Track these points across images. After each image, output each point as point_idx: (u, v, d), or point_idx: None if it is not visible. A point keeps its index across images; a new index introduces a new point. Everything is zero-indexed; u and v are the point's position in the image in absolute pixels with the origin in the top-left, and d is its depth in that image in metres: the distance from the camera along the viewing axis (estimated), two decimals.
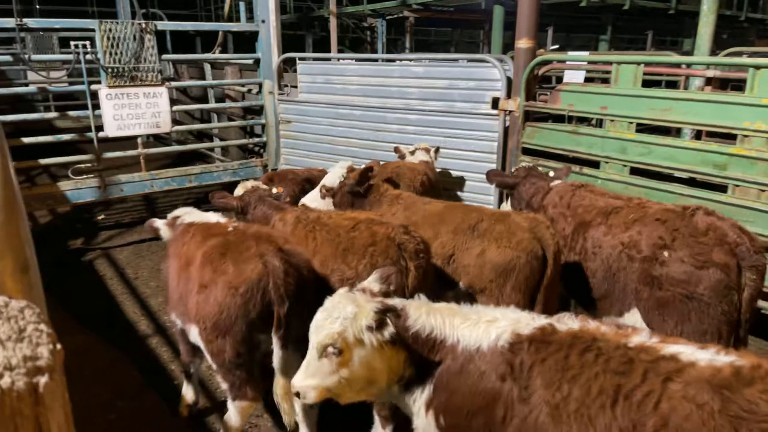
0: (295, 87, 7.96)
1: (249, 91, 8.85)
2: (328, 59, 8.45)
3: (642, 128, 5.41)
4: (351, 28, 17.07)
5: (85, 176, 7.01)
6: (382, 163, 5.79)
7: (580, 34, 23.38)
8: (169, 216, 3.73)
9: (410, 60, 7.80)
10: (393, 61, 7.74)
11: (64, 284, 5.96)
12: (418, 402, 2.34)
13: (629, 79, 5.19)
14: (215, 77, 10.11)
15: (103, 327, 5.03)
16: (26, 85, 9.58)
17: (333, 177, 4.65)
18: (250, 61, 8.51)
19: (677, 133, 7.12)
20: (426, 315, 2.34)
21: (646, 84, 5.28)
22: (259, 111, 8.43)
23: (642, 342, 1.95)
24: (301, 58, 7.86)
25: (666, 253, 3.17)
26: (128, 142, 7.47)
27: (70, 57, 6.61)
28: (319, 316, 2.33)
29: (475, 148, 6.50)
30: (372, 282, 2.51)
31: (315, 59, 8.52)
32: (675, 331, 3.16)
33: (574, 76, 7.45)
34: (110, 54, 6.70)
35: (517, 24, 5.95)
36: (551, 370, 1.97)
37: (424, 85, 6.78)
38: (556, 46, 14.49)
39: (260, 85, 8.21)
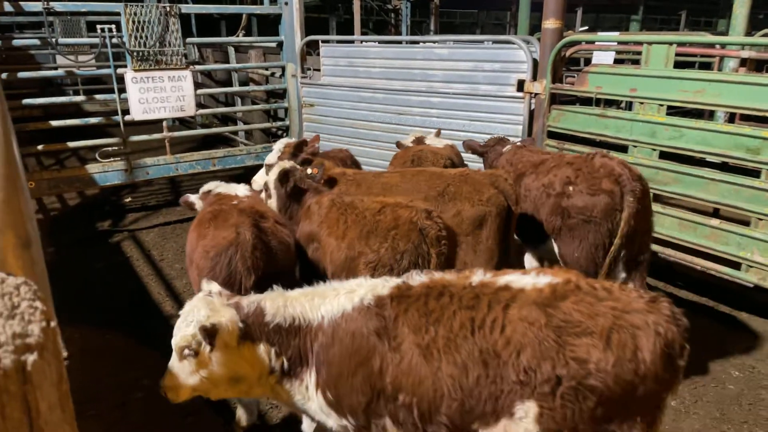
0: (318, 70, 7.93)
1: (272, 74, 8.85)
2: (351, 42, 8.39)
3: (673, 111, 5.25)
4: (375, 11, 16.90)
5: (112, 159, 7.11)
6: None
7: (610, 14, 22.79)
8: (201, 191, 3.92)
9: (434, 42, 7.68)
10: (417, 43, 7.63)
11: (92, 265, 6.09)
12: (310, 387, 2.45)
13: (660, 59, 5.03)
14: (239, 61, 10.13)
15: (130, 307, 5.13)
16: (55, 69, 9.71)
17: (273, 153, 4.90)
18: (274, 44, 8.49)
19: (710, 116, 6.90)
20: (284, 307, 2.46)
21: (679, 66, 5.11)
22: (282, 94, 8.43)
23: (481, 279, 2.31)
24: (324, 41, 7.82)
25: (571, 188, 3.96)
26: (154, 126, 7.56)
27: (97, 41, 6.68)
28: (179, 319, 2.47)
29: (500, 132, 6.37)
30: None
31: (338, 42, 8.46)
32: (578, 248, 3.95)
33: (603, 57, 7.26)
34: (135, 37, 6.75)
35: (545, 3, 5.80)
36: (415, 318, 2.23)
37: (448, 67, 6.68)
38: (585, 27, 14.12)
39: (283, 69, 8.20)
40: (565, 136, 5.88)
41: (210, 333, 2.32)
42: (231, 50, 10.31)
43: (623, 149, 5.40)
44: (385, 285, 2.40)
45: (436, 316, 2.19)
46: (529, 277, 2.24)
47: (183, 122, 11.42)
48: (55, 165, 9.14)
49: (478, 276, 2.33)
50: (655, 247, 5.26)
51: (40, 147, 6.71)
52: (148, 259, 6.27)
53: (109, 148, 7.11)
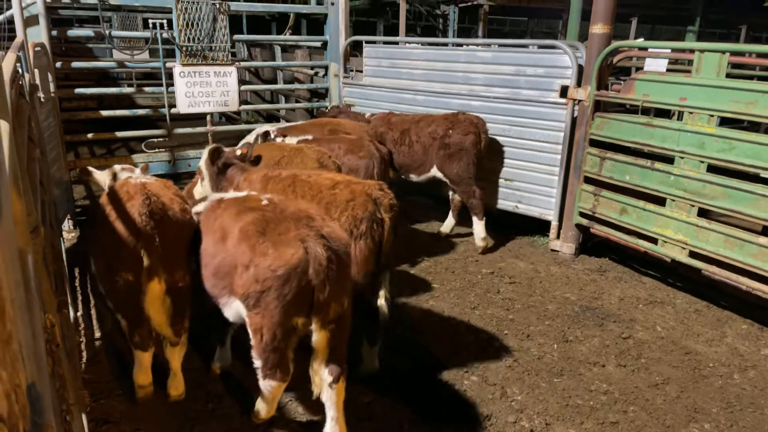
0: (361, 71, 7.96)
1: (316, 74, 8.94)
2: (395, 43, 8.38)
3: (726, 125, 5.03)
4: (423, 16, 16.89)
5: (156, 150, 7.32)
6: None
7: (667, 26, 22.08)
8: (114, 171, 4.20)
9: (478, 45, 7.60)
10: (461, 45, 7.56)
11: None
12: None
13: (712, 68, 4.81)
14: (286, 61, 10.27)
15: None
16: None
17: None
18: (319, 44, 8.58)
19: (766, 130, 6.57)
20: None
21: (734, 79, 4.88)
22: (324, 94, 8.51)
23: (271, 198, 3.30)
24: (367, 41, 7.85)
25: (451, 132, 6.17)
26: (199, 121, 7.74)
27: (149, 35, 6.90)
28: None
29: (541, 138, 6.26)
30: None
31: (382, 43, 8.47)
32: (457, 167, 6.19)
33: (655, 65, 7.03)
34: (185, 33, 6.94)
35: (594, 7, 5.67)
36: (211, 222, 3.35)
37: (490, 71, 6.59)
38: (641, 40, 13.70)
39: (326, 68, 8.27)
40: (609, 145, 5.71)
41: None
42: (277, 49, 10.48)
43: (669, 160, 5.20)
44: (216, 199, 3.51)
45: (218, 225, 3.24)
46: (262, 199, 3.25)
47: (228, 119, 11.67)
48: (106, 154, 9.48)
49: (268, 197, 3.28)
50: (698, 264, 5.04)
51: (90, 135, 6.97)
52: None
53: (155, 140, 7.32)
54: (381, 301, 3.87)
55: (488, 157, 6.75)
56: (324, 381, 3.15)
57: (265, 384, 3.14)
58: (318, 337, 3.04)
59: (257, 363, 3.09)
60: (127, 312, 3.38)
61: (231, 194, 3.64)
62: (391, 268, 4.05)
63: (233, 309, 3.22)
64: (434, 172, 6.36)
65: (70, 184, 6.67)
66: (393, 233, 3.83)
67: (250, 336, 3.06)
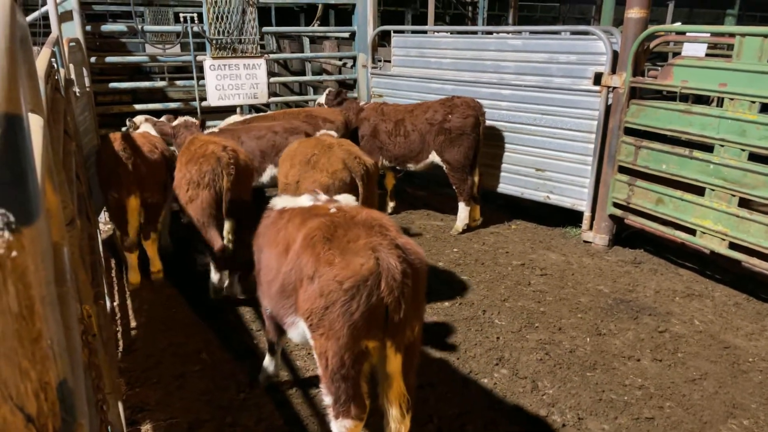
0: (389, 61, 7.90)
1: (344, 64, 8.92)
2: (424, 32, 8.29)
3: (766, 110, 4.83)
4: (452, 4, 16.66)
5: None
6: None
7: (705, 9, 21.34)
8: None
9: (508, 32, 7.46)
10: (490, 33, 7.43)
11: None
12: None
13: (754, 53, 4.62)
14: (314, 52, 10.28)
15: (195, 282, 5.32)
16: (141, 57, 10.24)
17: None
18: (347, 35, 8.55)
19: None
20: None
21: None
22: (352, 85, 8.49)
23: (339, 205, 3.04)
24: (396, 31, 7.78)
25: (450, 116, 6.23)
26: (229, 113, 7.80)
27: (180, 29, 6.98)
28: None
29: (573, 127, 6.13)
30: None
31: (410, 32, 8.39)
32: (458, 152, 6.26)
33: (693, 50, 6.80)
34: (215, 26, 7.00)
35: None
36: (271, 232, 3.16)
37: (520, 58, 6.47)
38: (678, 24, 13.26)
39: (354, 59, 8.24)
40: (644, 133, 5.55)
41: None
42: (306, 41, 10.48)
43: (708, 149, 5.02)
44: (308, 200, 3.23)
45: (281, 236, 3.03)
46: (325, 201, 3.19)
47: (258, 111, 11.76)
48: None
49: (336, 204, 3.09)
50: (738, 256, 4.88)
51: (123, 129, 7.09)
52: None
53: None
54: (226, 240, 4.83)
55: (520, 147, 6.66)
56: (393, 413, 2.75)
57: (339, 426, 2.71)
58: (392, 363, 2.64)
59: (327, 399, 2.71)
60: (118, 223, 5.04)
61: (295, 204, 3.28)
62: (237, 217, 4.86)
63: (299, 330, 2.87)
64: (433, 158, 6.47)
65: None
66: (233, 187, 4.67)
67: (317, 362, 2.73)
